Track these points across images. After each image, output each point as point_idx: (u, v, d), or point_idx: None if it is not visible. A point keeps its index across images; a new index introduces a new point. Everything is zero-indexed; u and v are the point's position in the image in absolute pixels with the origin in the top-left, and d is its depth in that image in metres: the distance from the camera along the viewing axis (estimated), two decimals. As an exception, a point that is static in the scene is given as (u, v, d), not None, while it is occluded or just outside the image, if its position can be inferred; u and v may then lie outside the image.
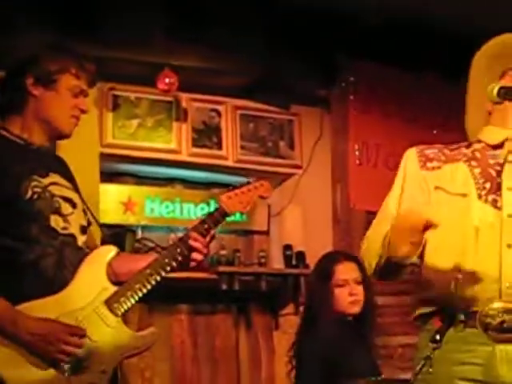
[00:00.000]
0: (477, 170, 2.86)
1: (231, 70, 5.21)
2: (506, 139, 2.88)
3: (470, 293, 2.72)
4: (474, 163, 2.88)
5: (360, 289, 4.49)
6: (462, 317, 2.72)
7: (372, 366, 4.39)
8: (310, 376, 4.31)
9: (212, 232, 3.25)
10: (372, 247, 2.86)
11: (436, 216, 2.65)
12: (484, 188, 2.83)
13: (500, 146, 2.90)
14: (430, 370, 2.73)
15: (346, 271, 4.47)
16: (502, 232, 2.74)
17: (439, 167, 2.92)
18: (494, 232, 2.75)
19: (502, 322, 2.66)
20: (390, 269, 2.78)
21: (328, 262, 4.61)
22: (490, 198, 2.80)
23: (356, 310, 4.49)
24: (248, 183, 3.47)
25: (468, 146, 2.97)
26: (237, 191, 3.38)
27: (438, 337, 2.75)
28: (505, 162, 2.86)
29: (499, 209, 2.78)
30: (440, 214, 2.67)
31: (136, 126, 5.11)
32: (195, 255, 3.20)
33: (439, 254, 2.79)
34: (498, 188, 2.82)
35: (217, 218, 3.28)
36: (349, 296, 4.45)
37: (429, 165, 2.94)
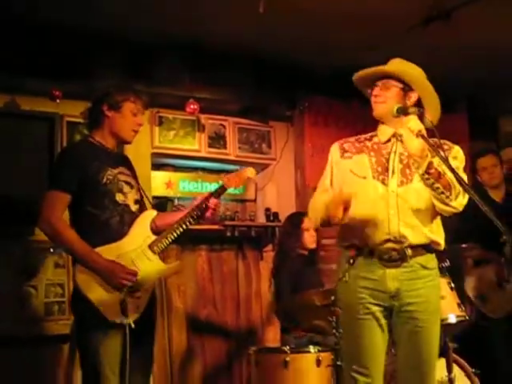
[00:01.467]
0: (373, 159, 2.87)
1: (232, 100, 5.18)
2: (393, 135, 2.88)
3: (371, 238, 2.77)
4: (372, 154, 2.88)
5: (315, 232, 4.54)
6: (367, 250, 2.79)
7: (319, 282, 4.41)
8: (281, 289, 4.39)
9: (218, 199, 3.29)
10: (316, 208, 2.89)
11: (352, 190, 2.75)
12: (377, 171, 2.83)
13: (388, 140, 2.90)
14: (346, 280, 2.80)
15: (308, 222, 4.47)
16: (388, 202, 2.78)
17: (351, 157, 2.91)
18: (384, 201, 2.78)
19: (390, 256, 2.76)
20: (327, 223, 2.82)
21: (297, 216, 4.64)
22: (381, 177, 2.81)
23: (314, 245, 4.55)
24: (240, 169, 3.52)
25: (370, 139, 2.96)
26: (233, 174, 3.42)
27: (351, 261, 2.81)
28: (390, 152, 2.87)
29: (386, 185, 2.80)
30: (353, 189, 2.77)
31: (173, 135, 5.07)
32: (208, 213, 3.24)
33: (355, 214, 2.76)
34: (386, 170, 2.82)
35: (220, 190, 3.33)
36: (311, 237, 4.51)
37: (345, 155, 2.93)
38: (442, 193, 2.66)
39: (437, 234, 2.85)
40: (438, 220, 2.87)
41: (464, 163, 2.89)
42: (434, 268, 2.85)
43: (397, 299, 2.75)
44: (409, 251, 2.76)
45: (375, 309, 2.75)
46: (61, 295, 4.39)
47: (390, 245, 2.76)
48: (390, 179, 2.81)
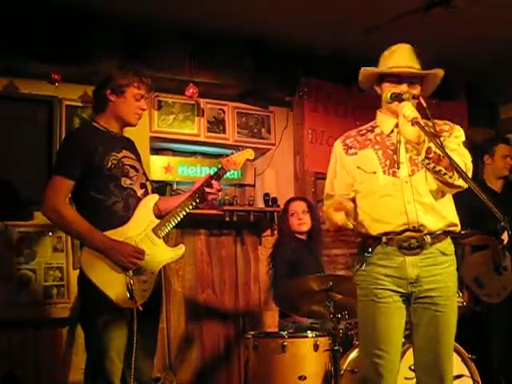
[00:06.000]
0: (380, 152, 2.84)
1: (231, 84, 5.15)
2: (396, 126, 2.84)
3: (390, 228, 2.77)
4: (377, 147, 2.86)
5: (306, 216, 4.50)
6: (384, 239, 2.78)
7: (318, 268, 4.38)
8: (279, 273, 4.39)
9: (218, 181, 3.28)
10: (326, 217, 2.89)
11: (360, 187, 2.85)
12: (386, 165, 2.82)
13: (391, 131, 2.88)
14: (366, 268, 2.81)
15: (295, 206, 4.51)
16: (403, 193, 2.78)
17: (356, 153, 2.89)
18: (399, 193, 2.77)
19: (410, 244, 2.76)
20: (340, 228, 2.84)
21: (287, 202, 4.66)
22: (391, 171, 2.80)
23: (303, 228, 4.49)
24: (239, 151, 3.47)
25: (372, 131, 2.93)
26: (232, 156, 3.41)
27: (370, 249, 2.81)
28: (396, 143, 2.84)
29: (398, 177, 2.78)
30: (362, 186, 2.85)
31: (172, 119, 5.06)
32: (209, 196, 3.26)
33: (369, 210, 2.82)
34: (394, 162, 2.81)
35: (220, 172, 3.33)
36: (297, 220, 4.49)
37: (350, 151, 2.91)
38: (445, 174, 2.68)
39: (453, 214, 2.87)
40: (452, 200, 2.89)
41: (464, 139, 2.91)
42: (452, 254, 2.85)
43: (416, 286, 2.77)
44: (428, 238, 2.77)
45: (395, 295, 2.77)
46: (59, 279, 4.40)
47: (409, 233, 2.76)
48: (401, 170, 2.80)
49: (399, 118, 2.73)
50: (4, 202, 4.18)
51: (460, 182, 2.70)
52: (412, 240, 2.76)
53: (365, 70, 2.88)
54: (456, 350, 3.89)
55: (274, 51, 5.10)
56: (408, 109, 2.66)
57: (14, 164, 4.25)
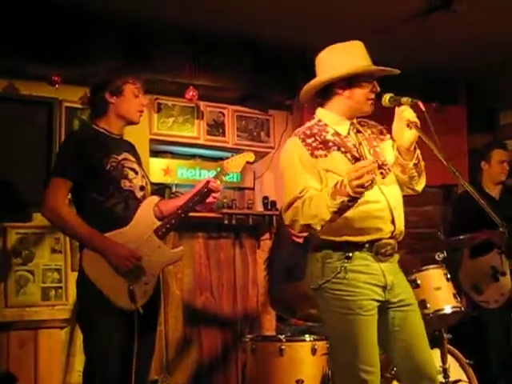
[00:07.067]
0: (348, 155, 2.69)
1: (231, 88, 5.14)
2: (352, 128, 2.77)
3: (370, 234, 2.67)
4: (342, 149, 2.69)
5: None
6: (366, 245, 2.67)
7: None
8: (276, 277, 4.40)
9: (219, 183, 3.26)
10: (318, 213, 2.58)
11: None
12: None
13: (348, 133, 2.77)
14: (346, 276, 2.65)
15: None
16: (387, 198, 2.69)
17: (326, 155, 2.67)
18: (381, 199, 2.68)
19: (386, 250, 2.69)
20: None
21: None
22: None
23: (304, 234, 4.39)
24: (239, 153, 3.47)
25: (325, 130, 2.73)
26: (233, 158, 3.42)
27: (349, 255, 2.65)
28: (357, 144, 2.74)
29: (375, 182, 2.62)
30: None
31: (172, 122, 5.05)
32: (210, 198, 3.24)
33: (350, 216, 2.61)
34: None
35: (221, 174, 3.32)
36: None
37: (316, 153, 2.67)
38: (414, 178, 2.71)
39: None
40: None
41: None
42: None
43: (391, 292, 2.72)
44: (396, 245, 2.76)
45: (375, 304, 2.68)
46: (58, 280, 4.40)
47: (387, 240, 2.71)
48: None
49: (396, 122, 2.66)
50: (3, 203, 4.18)
51: (419, 187, 2.75)
52: (388, 247, 2.71)
53: (342, 72, 2.69)
54: (454, 356, 3.91)
55: (273, 54, 5.08)
56: (409, 113, 2.61)
57: (14, 165, 4.25)
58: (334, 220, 2.57)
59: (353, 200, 2.50)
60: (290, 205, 2.65)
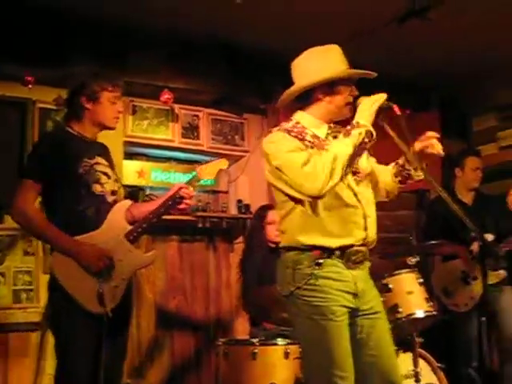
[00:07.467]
0: None
1: (206, 91, 5.14)
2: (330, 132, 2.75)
3: (350, 241, 2.66)
4: (321, 152, 2.61)
5: None
6: (338, 253, 2.64)
7: None
8: (249, 281, 4.34)
9: (191, 189, 3.24)
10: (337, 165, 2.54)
11: None
12: None
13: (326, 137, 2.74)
14: (317, 282, 2.62)
15: (273, 215, 4.37)
16: (362, 205, 2.71)
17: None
18: (357, 205, 2.69)
19: (357, 258, 2.68)
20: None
21: (263, 209, 4.54)
22: (345, 181, 2.65)
23: (279, 239, 4.49)
24: (213, 160, 3.47)
25: (304, 132, 2.69)
26: (207, 164, 3.40)
27: (320, 261, 2.63)
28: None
29: (353, 188, 2.69)
30: None
31: (147, 124, 5.05)
32: (182, 204, 3.21)
33: (323, 215, 2.63)
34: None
35: (194, 180, 3.31)
36: (275, 231, 4.26)
37: (305, 143, 2.64)
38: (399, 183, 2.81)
39: None
40: None
41: None
42: None
43: (359, 299, 2.70)
44: (368, 252, 2.76)
45: (346, 310, 2.65)
46: (29, 283, 4.36)
47: (358, 247, 2.70)
48: (350, 180, 2.70)
49: (423, 142, 2.77)
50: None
51: (397, 192, 2.86)
52: (359, 254, 2.70)
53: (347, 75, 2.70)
54: (425, 359, 3.94)
55: (249, 58, 5.09)
56: (438, 146, 2.79)
57: (-15, 166, 4.21)
58: (352, 162, 2.56)
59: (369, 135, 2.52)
60: (303, 175, 2.55)
